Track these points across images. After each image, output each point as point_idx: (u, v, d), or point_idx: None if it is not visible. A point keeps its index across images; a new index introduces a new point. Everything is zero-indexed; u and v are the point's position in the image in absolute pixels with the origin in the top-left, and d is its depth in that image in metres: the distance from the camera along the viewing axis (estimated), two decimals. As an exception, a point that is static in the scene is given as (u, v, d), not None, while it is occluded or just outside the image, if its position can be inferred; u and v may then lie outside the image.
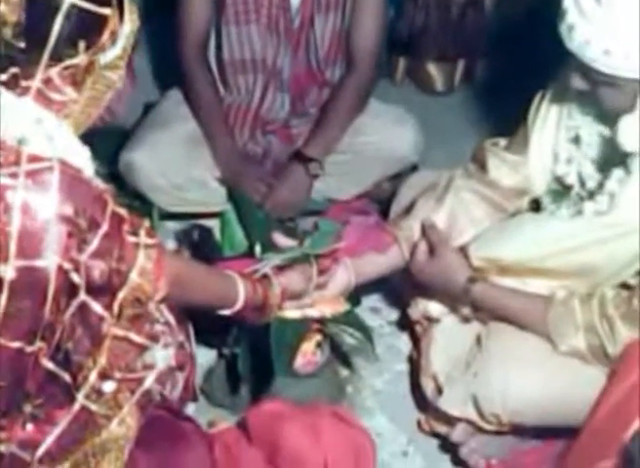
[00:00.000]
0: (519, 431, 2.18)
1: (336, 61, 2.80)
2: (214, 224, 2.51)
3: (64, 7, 1.58)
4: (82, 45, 1.60)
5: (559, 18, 1.95)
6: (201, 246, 2.58)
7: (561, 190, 2.21)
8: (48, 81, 1.60)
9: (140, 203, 2.75)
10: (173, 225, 2.78)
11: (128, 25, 1.66)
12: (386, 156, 2.79)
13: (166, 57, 2.90)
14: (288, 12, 2.68)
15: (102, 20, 1.62)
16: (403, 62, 3.50)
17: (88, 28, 1.61)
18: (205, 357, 2.38)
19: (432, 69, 3.46)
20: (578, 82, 2.01)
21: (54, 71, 1.60)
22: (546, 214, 2.22)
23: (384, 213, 2.66)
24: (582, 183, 2.16)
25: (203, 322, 2.15)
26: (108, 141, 2.85)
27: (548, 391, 2.06)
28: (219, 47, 2.73)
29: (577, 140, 2.17)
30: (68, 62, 1.60)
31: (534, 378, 2.07)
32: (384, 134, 2.78)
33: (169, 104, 2.81)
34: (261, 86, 2.75)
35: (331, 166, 2.76)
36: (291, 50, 2.73)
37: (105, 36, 1.62)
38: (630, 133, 2.00)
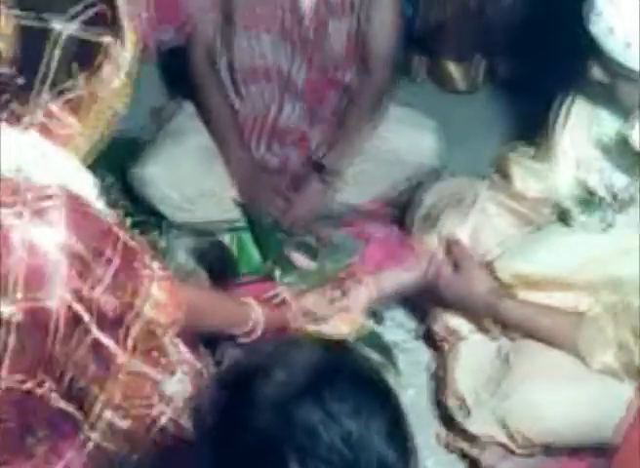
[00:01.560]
0: (551, 451, 2.10)
1: (351, 66, 2.73)
2: (229, 238, 2.46)
3: (61, 39, 1.51)
4: (82, 76, 1.54)
5: (587, 3, 1.90)
6: (217, 261, 2.52)
7: (590, 200, 2.14)
8: (50, 115, 1.55)
9: (153, 217, 2.69)
10: (188, 241, 2.70)
11: (129, 51, 1.60)
12: (407, 162, 2.72)
13: (173, 61, 2.82)
14: (300, 18, 2.61)
15: (102, 49, 1.56)
16: (422, 61, 3.41)
17: (87, 58, 1.55)
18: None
19: (452, 67, 3.37)
20: (597, 73, 1.95)
21: (54, 104, 1.54)
22: (576, 224, 2.14)
23: (406, 219, 2.59)
24: (612, 193, 2.09)
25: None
26: (117, 151, 2.79)
27: (581, 411, 2.01)
28: (230, 56, 2.66)
29: (605, 148, 2.09)
30: (69, 95, 1.54)
31: (565, 398, 2.01)
32: (404, 139, 2.71)
33: (182, 117, 2.74)
34: (276, 95, 2.68)
35: (350, 173, 2.69)
36: (305, 57, 2.65)
37: (106, 64, 1.56)
38: None
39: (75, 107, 1.56)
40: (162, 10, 2.48)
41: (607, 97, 2.02)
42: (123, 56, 1.58)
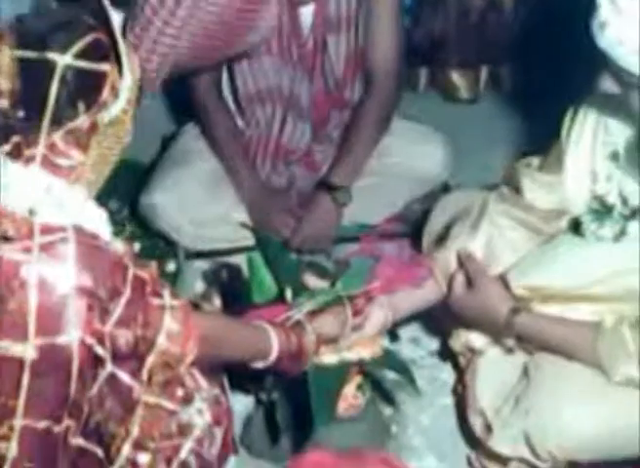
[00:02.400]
0: (575, 466, 2.07)
1: (354, 81, 2.71)
2: (241, 260, 2.44)
3: (59, 69, 1.50)
4: (82, 106, 1.52)
5: (591, 13, 1.84)
6: (230, 285, 2.51)
7: (602, 209, 2.10)
8: (52, 147, 1.53)
9: (164, 243, 2.68)
10: (199, 264, 2.69)
11: (129, 77, 1.58)
12: (415, 177, 2.70)
13: (181, 88, 2.81)
14: (299, 37, 2.59)
15: (101, 77, 1.54)
16: (425, 72, 3.41)
17: (86, 87, 1.53)
18: (242, 404, 2.30)
19: (455, 77, 3.36)
20: (608, 84, 1.91)
21: (56, 136, 1.52)
22: (588, 234, 2.11)
23: (417, 234, 2.57)
24: (625, 201, 2.05)
25: (238, 367, 2.07)
26: (128, 179, 2.80)
27: (605, 425, 1.95)
28: (232, 80, 2.64)
29: (615, 156, 2.06)
30: (70, 126, 1.52)
31: (589, 412, 1.96)
32: (412, 154, 2.70)
33: (186, 140, 2.73)
34: (280, 115, 2.66)
35: (358, 190, 2.67)
36: (307, 75, 2.63)
37: (106, 93, 1.55)
38: None
39: (77, 138, 1.54)
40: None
41: (616, 105, 1.99)
42: (122, 82, 1.56)
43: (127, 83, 1.58)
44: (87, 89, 1.54)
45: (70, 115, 1.53)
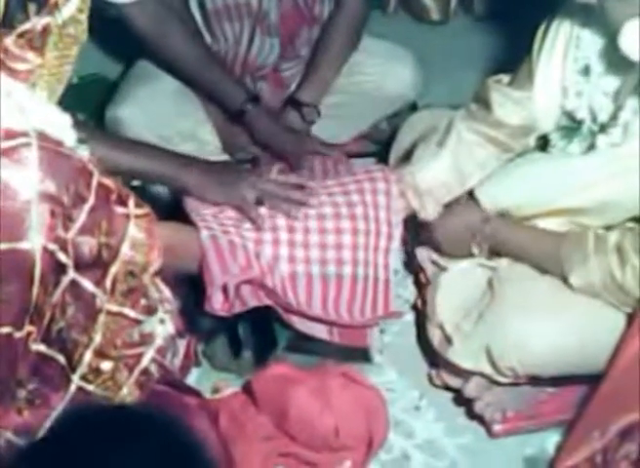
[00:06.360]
0: (536, 381, 2.09)
1: (324, -2, 2.67)
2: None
3: None
4: (32, 8, 1.49)
5: None
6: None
7: (571, 125, 2.10)
8: (6, 51, 1.50)
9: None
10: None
11: None
12: (384, 95, 2.68)
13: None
14: (267, -49, 2.54)
15: None
16: (394, -8, 3.37)
17: None
18: (205, 317, 2.28)
19: (426, -3, 3.33)
20: None
21: (9, 41, 1.49)
22: (556, 151, 2.11)
23: (384, 153, 2.57)
24: (594, 117, 2.05)
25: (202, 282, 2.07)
26: (95, 94, 2.76)
27: (567, 340, 1.97)
28: (200, -4, 2.60)
29: (586, 72, 2.05)
30: (21, 29, 1.49)
31: (551, 328, 1.97)
32: (381, 72, 2.67)
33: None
34: (249, 31, 2.61)
35: (326, 108, 2.65)
36: (275, -10, 2.59)
37: None
38: (634, 39, 1.88)
39: (30, 41, 1.51)
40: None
41: (589, 18, 1.97)
42: None
43: None
44: None
45: (21, 19, 1.50)
